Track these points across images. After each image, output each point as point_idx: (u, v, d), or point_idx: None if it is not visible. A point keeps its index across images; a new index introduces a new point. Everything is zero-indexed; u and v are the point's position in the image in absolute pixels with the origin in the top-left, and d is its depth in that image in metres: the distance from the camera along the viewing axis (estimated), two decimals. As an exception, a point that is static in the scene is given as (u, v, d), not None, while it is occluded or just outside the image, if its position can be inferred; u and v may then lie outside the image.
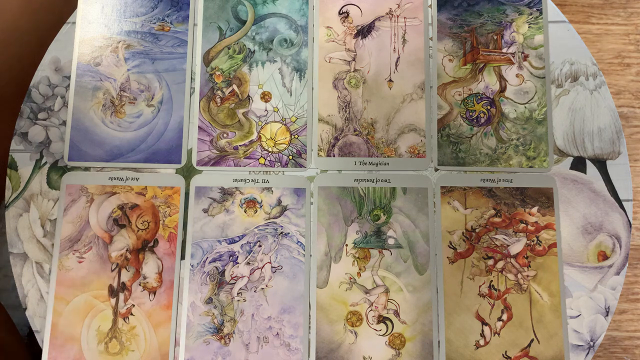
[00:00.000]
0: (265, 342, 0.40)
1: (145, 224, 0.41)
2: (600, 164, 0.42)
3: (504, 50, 0.43)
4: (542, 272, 0.40)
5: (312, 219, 0.41)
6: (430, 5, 0.44)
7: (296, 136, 0.42)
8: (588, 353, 0.40)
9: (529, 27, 0.44)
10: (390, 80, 0.43)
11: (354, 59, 0.43)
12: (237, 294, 0.40)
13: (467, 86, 0.43)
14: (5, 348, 0.44)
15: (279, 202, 0.41)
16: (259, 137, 0.42)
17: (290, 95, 0.43)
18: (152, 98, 0.43)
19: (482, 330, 0.40)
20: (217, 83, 0.43)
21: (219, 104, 0.43)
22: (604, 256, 0.41)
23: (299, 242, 0.41)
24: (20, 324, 0.47)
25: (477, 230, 0.41)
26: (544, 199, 0.42)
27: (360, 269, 0.41)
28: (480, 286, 0.40)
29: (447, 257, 0.41)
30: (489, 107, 0.43)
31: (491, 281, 0.40)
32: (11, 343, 0.45)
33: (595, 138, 0.43)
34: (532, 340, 0.40)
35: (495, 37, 0.44)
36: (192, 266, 0.41)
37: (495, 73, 0.43)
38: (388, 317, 0.40)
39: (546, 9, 0.44)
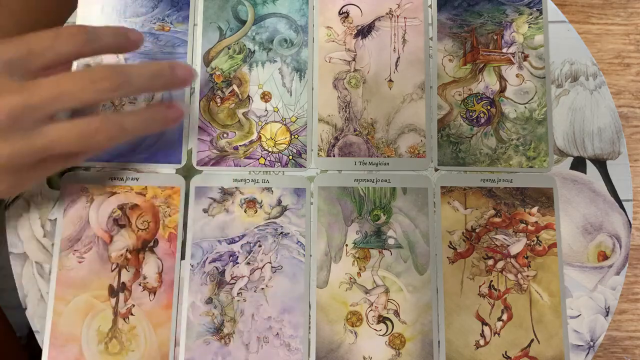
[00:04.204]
0: (265, 342, 0.40)
1: (145, 224, 0.41)
2: (600, 164, 0.42)
3: (504, 50, 0.43)
4: (542, 272, 0.40)
5: (312, 219, 0.41)
6: (430, 5, 0.44)
7: (296, 136, 0.42)
8: (588, 353, 0.40)
9: (529, 27, 0.44)
10: (390, 80, 0.43)
11: (354, 59, 0.43)
12: (237, 294, 0.40)
13: (467, 86, 0.43)
14: (2, 348, 0.44)
15: (279, 202, 0.41)
16: (259, 137, 0.42)
17: (290, 95, 0.43)
18: (152, 98, 0.43)
19: (482, 330, 0.40)
20: (217, 83, 0.43)
21: (219, 104, 0.43)
22: (604, 256, 0.41)
23: (299, 242, 0.41)
24: (20, 324, 0.47)
25: (477, 230, 0.41)
26: (544, 199, 0.42)
27: (360, 269, 0.41)
28: (480, 286, 0.40)
29: (447, 257, 0.41)
30: (489, 107, 0.43)
31: (491, 281, 0.40)
32: (7, 343, 0.45)
33: (595, 138, 0.43)
34: (532, 340, 0.40)
35: (495, 37, 0.44)
36: (192, 266, 0.41)
37: (495, 73, 0.43)
38: (388, 317, 0.40)
39: (546, 9, 0.44)
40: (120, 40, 0.35)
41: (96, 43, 0.34)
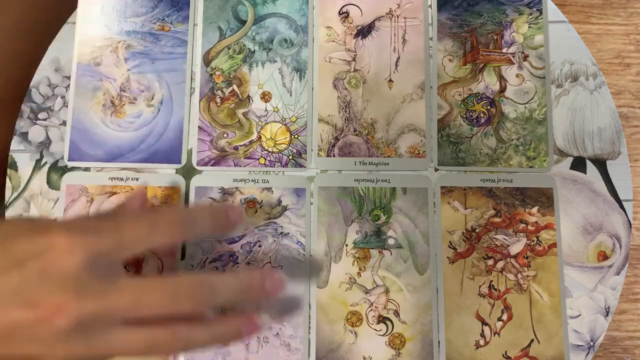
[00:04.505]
0: (266, 342, 0.40)
1: (145, 224, 0.41)
2: (600, 164, 0.42)
3: (504, 50, 0.43)
4: (542, 272, 0.40)
5: (312, 219, 0.41)
6: (430, 5, 0.44)
7: (296, 136, 0.42)
8: (588, 353, 0.40)
9: (529, 27, 0.44)
10: (390, 80, 0.43)
11: (354, 59, 0.43)
12: (237, 294, 0.40)
13: (467, 86, 0.43)
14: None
15: (279, 202, 0.41)
16: (259, 137, 0.42)
17: (290, 95, 0.43)
18: (152, 98, 0.43)
19: (482, 330, 0.40)
20: (217, 83, 0.43)
21: (219, 104, 0.43)
22: (604, 256, 0.41)
23: (299, 242, 0.41)
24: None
25: (477, 230, 0.41)
26: (544, 199, 0.42)
27: (360, 269, 0.41)
28: (480, 286, 0.40)
29: (447, 257, 0.41)
30: (489, 107, 0.43)
31: (491, 281, 0.40)
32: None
33: (595, 138, 0.43)
34: (532, 340, 0.40)
35: (495, 37, 0.44)
36: (192, 266, 0.40)
37: (495, 73, 0.43)
38: (388, 317, 0.40)
39: (546, 9, 0.44)
40: (219, 223, 0.32)
41: (193, 230, 0.31)
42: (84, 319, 0.27)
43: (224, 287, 0.31)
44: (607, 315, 0.40)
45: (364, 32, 0.44)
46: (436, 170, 0.42)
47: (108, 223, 0.29)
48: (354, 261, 0.41)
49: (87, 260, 0.27)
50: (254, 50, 0.43)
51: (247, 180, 0.42)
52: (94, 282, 0.28)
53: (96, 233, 0.28)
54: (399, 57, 0.43)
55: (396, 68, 0.43)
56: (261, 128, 0.42)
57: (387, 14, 0.44)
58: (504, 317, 0.40)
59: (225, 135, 0.42)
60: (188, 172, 0.42)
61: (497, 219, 0.41)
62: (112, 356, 0.29)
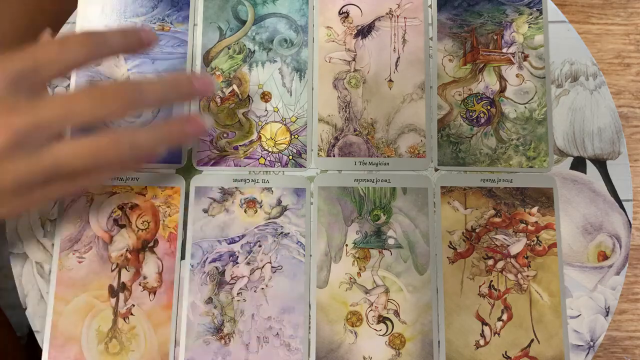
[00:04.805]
0: (266, 342, 0.40)
1: (145, 224, 0.41)
2: (600, 164, 0.42)
3: (504, 50, 0.43)
4: (542, 272, 0.40)
5: (312, 219, 0.41)
6: (430, 5, 0.44)
7: (296, 136, 0.42)
8: (588, 353, 0.40)
9: (529, 27, 0.44)
10: (390, 80, 0.43)
11: (354, 59, 0.43)
12: (237, 294, 0.40)
13: (467, 86, 0.43)
14: (2, 348, 0.44)
15: (279, 202, 0.41)
16: (259, 137, 0.42)
17: (290, 95, 0.43)
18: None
19: (482, 330, 0.40)
20: (217, 83, 0.43)
21: (219, 104, 0.43)
22: (604, 256, 0.41)
23: (299, 242, 0.41)
24: (20, 324, 0.47)
25: (477, 230, 0.41)
26: (544, 199, 0.42)
27: (360, 269, 0.41)
28: (480, 286, 0.40)
29: (447, 257, 0.41)
30: (489, 107, 0.43)
31: (491, 281, 0.40)
32: (7, 343, 0.45)
33: (595, 138, 0.43)
34: (532, 340, 0.40)
35: (495, 37, 0.44)
36: (192, 266, 0.41)
37: (495, 73, 0.43)
38: (388, 317, 0.40)
39: (546, 9, 0.44)
40: (130, 41, 0.33)
41: (104, 48, 0.32)
42: (20, 133, 0.29)
43: (150, 86, 0.32)
44: (607, 315, 0.40)
45: (364, 32, 0.44)
46: (436, 170, 0.42)
47: (20, 51, 0.31)
48: (354, 261, 0.41)
49: (6, 81, 0.29)
50: (254, 50, 0.43)
51: (247, 180, 0.42)
52: (20, 99, 0.30)
53: (9, 58, 0.30)
54: (399, 57, 0.43)
55: (396, 68, 0.43)
56: (261, 128, 0.42)
57: (387, 14, 0.44)
58: (504, 317, 0.40)
59: (225, 135, 0.42)
60: (188, 172, 0.42)
61: (497, 219, 0.41)
62: (61, 168, 0.31)
